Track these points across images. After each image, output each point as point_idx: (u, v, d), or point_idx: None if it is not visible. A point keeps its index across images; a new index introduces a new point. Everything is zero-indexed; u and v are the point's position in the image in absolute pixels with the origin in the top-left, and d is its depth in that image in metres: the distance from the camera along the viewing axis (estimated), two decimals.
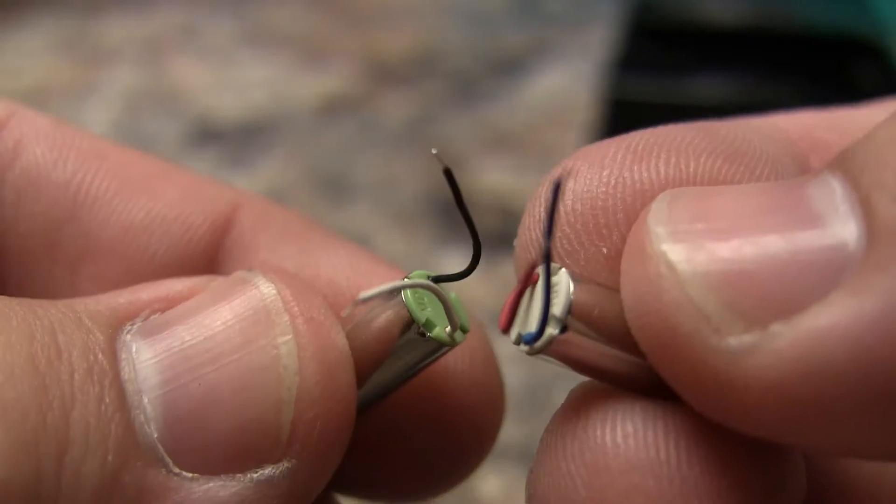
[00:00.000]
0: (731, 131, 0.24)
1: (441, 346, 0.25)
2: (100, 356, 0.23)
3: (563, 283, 0.21)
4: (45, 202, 0.29)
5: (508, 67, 0.84)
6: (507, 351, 0.58)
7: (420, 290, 0.25)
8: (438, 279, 0.25)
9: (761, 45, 0.67)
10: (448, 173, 0.22)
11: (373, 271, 0.29)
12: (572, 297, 0.21)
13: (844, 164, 0.20)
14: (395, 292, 0.25)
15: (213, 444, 0.23)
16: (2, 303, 0.23)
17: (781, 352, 0.18)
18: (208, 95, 0.82)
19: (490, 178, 0.70)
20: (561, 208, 0.23)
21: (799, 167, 0.24)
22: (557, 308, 0.21)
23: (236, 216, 0.29)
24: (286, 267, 0.29)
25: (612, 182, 0.23)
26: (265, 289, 0.24)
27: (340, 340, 0.24)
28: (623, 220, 0.22)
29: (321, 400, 0.23)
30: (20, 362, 0.21)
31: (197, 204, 0.29)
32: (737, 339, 0.19)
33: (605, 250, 0.22)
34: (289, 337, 0.23)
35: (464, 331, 0.25)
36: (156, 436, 0.22)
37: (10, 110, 0.29)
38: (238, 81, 0.84)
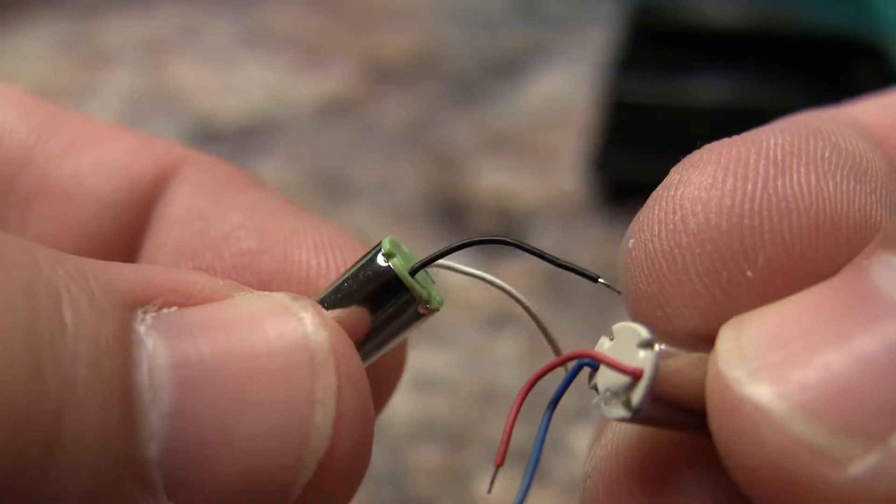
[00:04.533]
0: (847, 142, 0.23)
1: (422, 317, 0.25)
2: (112, 346, 0.19)
3: (649, 370, 0.21)
4: (4, 151, 0.30)
5: (507, 69, 0.84)
6: (507, 352, 0.58)
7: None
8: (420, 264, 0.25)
9: (761, 47, 0.67)
10: None
11: (273, 210, 0.28)
12: (653, 387, 0.21)
13: None
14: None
15: (213, 486, 0.20)
16: (2, 240, 0.19)
17: None
18: (208, 97, 0.82)
19: (489, 180, 0.70)
20: (702, 215, 0.22)
21: None
22: (636, 398, 0.21)
23: (181, 168, 0.30)
24: (197, 205, 0.29)
25: (758, 198, 0.21)
26: (312, 329, 0.21)
27: (370, 402, 0.22)
28: (769, 242, 0.21)
29: (346, 471, 0.21)
30: (19, 336, 0.18)
31: (145, 155, 0.30)
32: (860, 465, 0.18)
33: (749, 273, 0.21)
34: (331, 397, 0.21)
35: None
36: (156, 459, 0.19)
37: None
38: (238, 83, 0.84)
